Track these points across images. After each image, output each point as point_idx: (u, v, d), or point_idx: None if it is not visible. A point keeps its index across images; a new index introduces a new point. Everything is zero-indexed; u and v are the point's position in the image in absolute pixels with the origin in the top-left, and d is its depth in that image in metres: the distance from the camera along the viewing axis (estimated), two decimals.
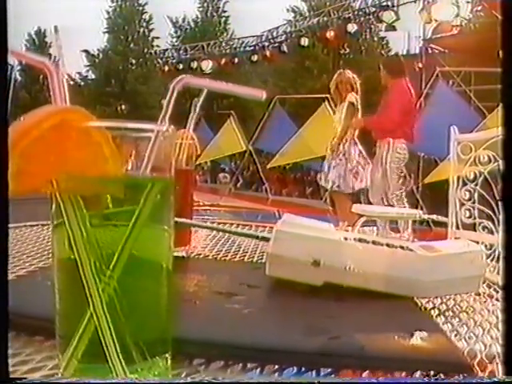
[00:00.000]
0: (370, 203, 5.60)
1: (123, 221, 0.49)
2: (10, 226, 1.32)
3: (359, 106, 5.91)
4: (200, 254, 1.25)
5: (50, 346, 0.64)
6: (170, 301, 0.54)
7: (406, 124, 5.44)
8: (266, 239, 0.98)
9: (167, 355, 0.54)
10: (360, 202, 6.19)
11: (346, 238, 0.90)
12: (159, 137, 0.50)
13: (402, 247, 0.90)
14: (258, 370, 0.63)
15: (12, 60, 0.56)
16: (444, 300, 0.92)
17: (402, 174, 5.57)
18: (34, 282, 0.90)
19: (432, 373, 0.64)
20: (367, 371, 0.64)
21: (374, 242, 0.90)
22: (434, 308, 0.88)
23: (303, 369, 0.64)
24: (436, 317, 0.84)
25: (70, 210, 0.48)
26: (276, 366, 0.64)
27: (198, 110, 1.18)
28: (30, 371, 0.61)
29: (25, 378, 0.55)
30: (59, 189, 0.47)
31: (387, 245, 0.90)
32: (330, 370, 0.64)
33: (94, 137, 0.47)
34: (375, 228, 4.41)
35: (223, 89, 0.58)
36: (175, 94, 0.54)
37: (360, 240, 0.90)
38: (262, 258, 1.20)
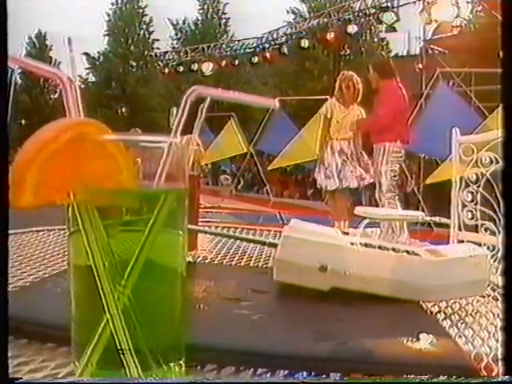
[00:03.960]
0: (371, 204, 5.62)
1: (138, 230, 0.50)
2: (16, 231, 1.32)
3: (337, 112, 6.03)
4: (206, 259, 1.26)
5: (63, 353, 0.64)
6: (184, 307, 0.55)
7: (399, 125, 5.45)
8: (274, 245, 0.99)
9: (181, 362, 0.55)
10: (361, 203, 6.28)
11: (352, 243, 0.91)
12: (172, 148, 0.51)
13: (407, 252, 0.90)
14: (269, 374, 0.64)
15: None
16: (449, 304, 0.93)
17: (396, 178, 5.58)
18: (42, 290, 0.91)
19: (441, 378, 0.65)
20: (374, 375, 0.65)
21: (380, 247, 0.91)
22: (439, 312, 0.89)
23: (313, 374, 0.64)
24: (442, 320, 0.85)
25: (86, 221, 0.49)
26: (286, 372, 0.65)
27: (203, 115, 1.19)
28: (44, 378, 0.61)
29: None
30: (76, 200, 0.48)
31: (393, 249, 0.91)
32: (339, 374, 0.65)
33: (108, 149, 0.48)
34: (378, 230, 4.41)
35: (235, 98, 0.58)
36: (188, 106, 0.54)
37: (366, 245, 0.91)
38: (267, 263, 1.21)
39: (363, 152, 6.08)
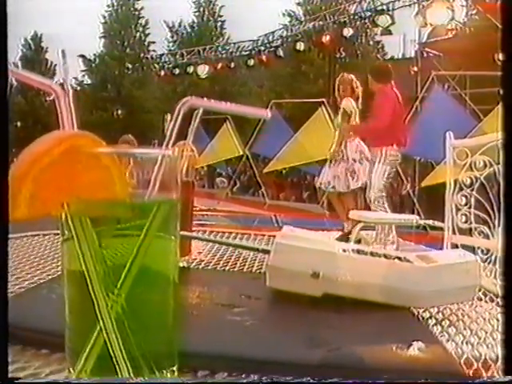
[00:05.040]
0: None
1: (131, 234, 0.51)
2: (11, 236, 1.33)
3: (356, 110, 6.03)
4: (200, 264, 1.26)
5: (58, 359, 0.65)
6: (176, 313, 0.56)
7: (396, 128, 5.47)
8: (267, 251, 1.00)
9: (174, 368, 0.56)
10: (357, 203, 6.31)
11: (344, 250, 0.92)
12: (165, 159, 0.52)
13: (399, 258, 0.91)
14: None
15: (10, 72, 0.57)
16: (440, 309, 0.94)
17: (388, 180, 5.59)
18: (37, 295, 0.91)
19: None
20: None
21: (372, 254, 0.92)
22: (430, 317, 0.90)
23: (304, 380, 0.65)
24: (433, 326, 0.86)
25: (79, 230, 0.49)
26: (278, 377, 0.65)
27: (197, 121, 1.19)
28: None
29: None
30: (70, 211, 0.49)
31: (385, 256, 0.92)
32: (330, 381, 0.65)
33: (102, 161, 0.49)
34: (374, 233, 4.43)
35: (228, 109, 0.59)
36: (181, 116, 0.55)
37: (358, 251, 0.92)
38: (261, 268, 1.22)
39: (351, 153, 6.07)
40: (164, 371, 0.54)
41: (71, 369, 0.54)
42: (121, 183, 0.50)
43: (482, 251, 2.21)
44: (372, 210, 5.34)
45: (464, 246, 1.92)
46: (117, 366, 0.51)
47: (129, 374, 0.51)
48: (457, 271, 0.93)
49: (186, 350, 0.58)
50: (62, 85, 0.56)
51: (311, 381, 0.64)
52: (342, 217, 6.10)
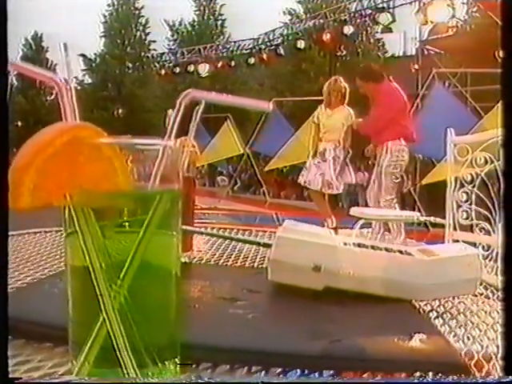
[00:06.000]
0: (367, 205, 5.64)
1: (133, 231, 0.51)
2: (13, 233, 1.33)
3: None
4: (202, 259, 1.27)
5: (60, 353, 0.65)
6: (178, 306, 0.56)
7: (400, 123, 5.44)
8: (268, 246, 1.00)
9: (176, 360, 0.56)
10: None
11: (345, 244, 0.92)
12: (166, 151, 0.52)
13: (400, 251, 0.92)
14: (263, 372, 0.65)
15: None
16: (442, 302, 0.94)
17: (397, 180, 5.57)
18: (40, 290, 0.92)
19: (430, 374, 0.66)
20: (367, 373, 0.66)
21: (373, 247, 0.92)
22: (432, 310, 0.90)
23: (306, 371, 0.66)
24: (434, 319, 0.86)
25: (82, 222, 0.50)
26: (280, 369, 0.66)
27: (199, 117, 1.20)
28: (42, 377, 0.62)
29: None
30: (73, 202, 0.49)
31: (386, 249, 0.92)
32: (331, 372, 0.66)
33: (104, 152, 0.49)
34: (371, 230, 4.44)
35: (230, 102, 0.59)
36: (182, 109, 0.55)
37: (359, 245, 0.92)
38: (262, 263, 1.22)
39: (348, 162, 6.16)
40: (166, 362, 0.54)
41: (74, 361, 0.54)
42: (123, 174, 0.50)
43: (483, 247, 2.21)
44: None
45: (465, 243, 1.92)
46: (119, 358, 0.51)
47: (131, 364, 0.51)
48: (458, 264, 0.93)
49: (189, 343, 0.58)
50: (64, 79, 0.56)
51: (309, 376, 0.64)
52: (324, 214, 6.15)
